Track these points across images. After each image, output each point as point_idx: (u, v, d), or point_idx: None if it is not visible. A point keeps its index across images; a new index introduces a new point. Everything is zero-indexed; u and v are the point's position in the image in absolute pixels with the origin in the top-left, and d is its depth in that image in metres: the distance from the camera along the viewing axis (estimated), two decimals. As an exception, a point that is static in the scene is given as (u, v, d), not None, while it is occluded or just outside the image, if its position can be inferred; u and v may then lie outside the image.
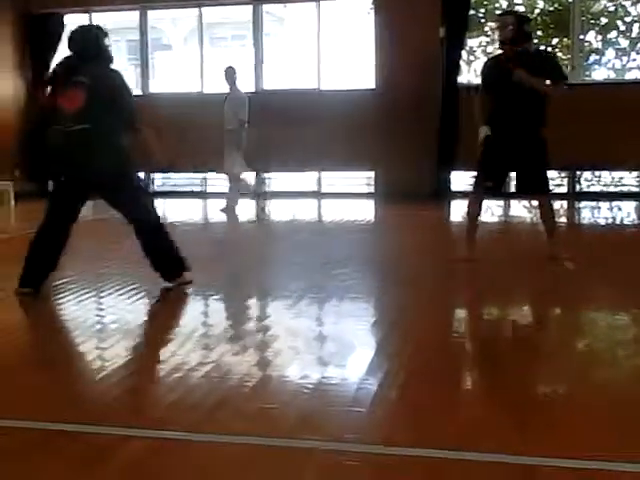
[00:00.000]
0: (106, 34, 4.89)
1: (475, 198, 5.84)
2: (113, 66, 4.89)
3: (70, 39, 4.85)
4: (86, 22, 11.96)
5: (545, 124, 5.53)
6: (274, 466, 2.44)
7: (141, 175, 5.35)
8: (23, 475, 2.41)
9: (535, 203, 6.29)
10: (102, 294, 5.11)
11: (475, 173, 5.87)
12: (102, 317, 4.52)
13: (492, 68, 5.71)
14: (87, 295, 5.05)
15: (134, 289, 5.13)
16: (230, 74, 9.42)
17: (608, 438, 2.58)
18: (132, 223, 4.85)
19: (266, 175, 11.88)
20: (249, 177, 10.12)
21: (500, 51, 5.71)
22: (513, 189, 6.20)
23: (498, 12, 5.52)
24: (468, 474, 2.38)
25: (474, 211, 5.84)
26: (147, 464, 2.46)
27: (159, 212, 5.16)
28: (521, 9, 11.47)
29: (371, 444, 2.56)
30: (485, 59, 5.78)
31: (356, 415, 2.83)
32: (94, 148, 4.62)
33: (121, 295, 4.99)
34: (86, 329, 4.25)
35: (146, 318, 4.65)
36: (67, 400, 3.08)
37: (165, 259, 4.93)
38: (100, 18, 12.23)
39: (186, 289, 4.98)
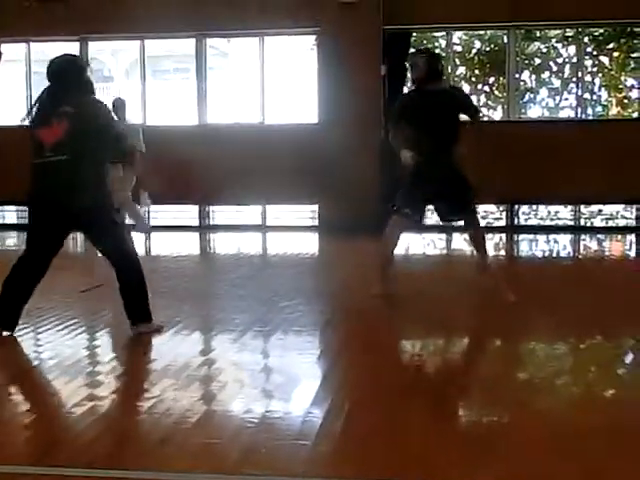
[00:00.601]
0: (88, 65, 4.93)
1: (395, 229, 5.77)
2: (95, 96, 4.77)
3: (53, 69, 4.67)
4: (22, 51, 11.88)
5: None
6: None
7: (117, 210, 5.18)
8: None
9: (466, 235, 6.37)
10: (43, 329, 4.99)
11: (397, 202, 5.76)
12: (40, 353, 4.42)
13: (408, 102, 5.87)
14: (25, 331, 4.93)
15: (74, 324, 5.04)
16: (120, 105, 9.45)
17: (546, 466, 2.63)
18: (110, 261, 4.70)
19: (211, 208, 11.84)
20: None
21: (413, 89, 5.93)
22: (442, 221, 6.23)
23: (412, 51, 5.70)
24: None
25: (393, 242, 5.79)
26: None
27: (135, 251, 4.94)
28: (458, 49, 11.83)
29: (317, 477, 2.56)
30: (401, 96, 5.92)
31: (302, 448, 2.83)
32: (71, 179, 4.44)
33: (60, 331, 4.89)
34: (23, 364, 4.15)
35: (86, 353, 4.55)
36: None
37: (139, 300, 4.69)
38: (39, 48, 12.11)
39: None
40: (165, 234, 10.95)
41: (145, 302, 4.70)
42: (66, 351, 4.44)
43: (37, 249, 4.61)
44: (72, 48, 11.95)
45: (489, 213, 11.42)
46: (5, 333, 4.59)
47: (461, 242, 9.21)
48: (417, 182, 5.56)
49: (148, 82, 11.93)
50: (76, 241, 10.15)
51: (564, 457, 2.72)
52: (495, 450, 2.80)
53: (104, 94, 13.72)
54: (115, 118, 4.86)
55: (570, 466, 2.64)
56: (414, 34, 11.10)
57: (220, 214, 12.16)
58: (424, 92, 5.70)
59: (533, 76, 11.68)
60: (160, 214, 11.87)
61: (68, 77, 4.62)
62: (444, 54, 11.58)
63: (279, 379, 3.84)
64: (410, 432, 3.09)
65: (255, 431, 3.02)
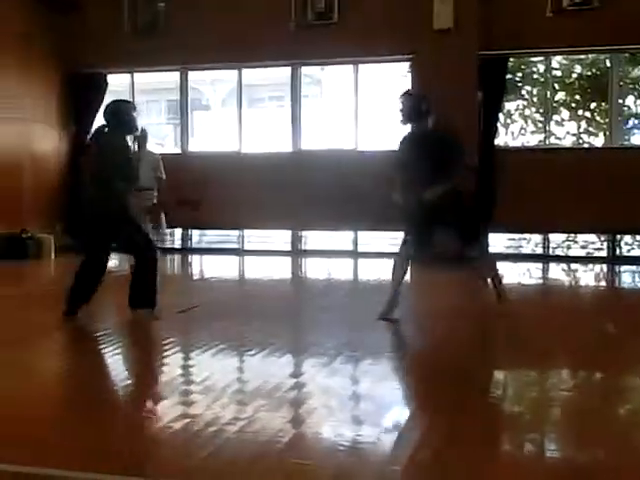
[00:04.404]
0: (134, 107, 5.90)
1: (399, 257, 6.00)
2: (132, 135, 5.93)
3: (104, 110, 5.86)
4: (127, 82, 12.36)
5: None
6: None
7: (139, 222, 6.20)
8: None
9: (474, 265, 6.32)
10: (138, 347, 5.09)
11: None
12: (134, 371, 4.50)
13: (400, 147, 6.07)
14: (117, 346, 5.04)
15: (170, 342, 5.14)
16: (144, 136, 9.21)
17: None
18: (133, 255, 5.90)
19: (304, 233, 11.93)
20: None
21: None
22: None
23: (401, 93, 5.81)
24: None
25: (400, 274, 5.95)
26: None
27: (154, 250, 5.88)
28: (558, 74, 11.55)
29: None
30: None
31: (392, 473, 2.76)
32: (99, 207, 5.71)
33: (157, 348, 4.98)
34: (120, 382, 4.24)
35: (180, 372, 4.62)
36: (98, 451, 3.05)
37: (145, 290, 5.69)
38: (142, 78, 12.59)
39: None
40: (258, 257, 11.11)
41: (151, 293, 5.71)
42: (162, 370, 4.53)
43: (94, 254, 5.84)
44: (173, 77, 12.40)
45: (589, 243, 11.04)
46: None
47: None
48: (410, 218, 5.88)
49: (244, 110, 12.18)
50: (173, 263, 10.43)
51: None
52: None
53: (202, 122, 14.14)
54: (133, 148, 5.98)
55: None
56: (511, 59, 10.91)
57: (313, 239, 12.22)
58: (412, 134, 5.90)
59: (638, 101, 11.26)
60: (253, 238, 12.07)
61: (110, 118, 5.77)
62: (542, 79, 11.35)
63: (370, 405, 3.78)
64: (498, 463, 2.97)
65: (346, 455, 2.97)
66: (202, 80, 14.66)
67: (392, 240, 11.64)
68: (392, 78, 11.90)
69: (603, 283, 9.21)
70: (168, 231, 10.36)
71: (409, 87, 5.91)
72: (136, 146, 5.99)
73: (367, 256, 11.21)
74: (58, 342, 5.48)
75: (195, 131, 12.80)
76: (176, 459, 2.97)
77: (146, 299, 5.73)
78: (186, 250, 12.02)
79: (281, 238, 12.13)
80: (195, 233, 12.69)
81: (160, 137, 13.99)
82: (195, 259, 11.59)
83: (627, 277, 9.69)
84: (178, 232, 12.38)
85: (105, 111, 5.85)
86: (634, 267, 10.05)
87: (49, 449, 3.05)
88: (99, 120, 6.44)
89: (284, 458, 2.94)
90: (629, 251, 10.96)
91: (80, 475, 2.74)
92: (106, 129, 5.78)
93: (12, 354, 4.79)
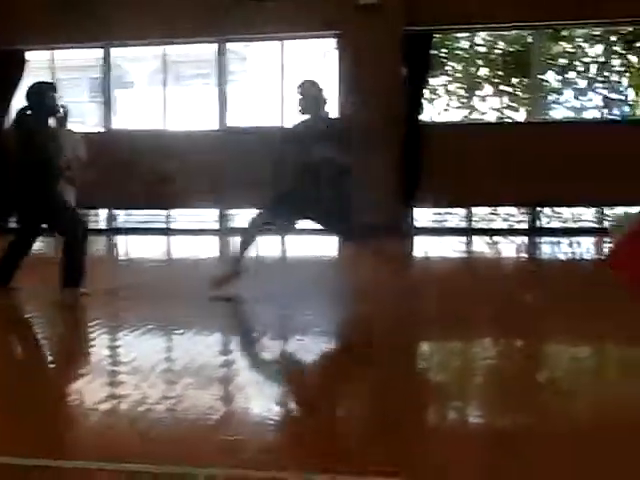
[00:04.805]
0: (55, 88, 5.93)
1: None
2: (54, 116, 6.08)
3: (26, 93, 5.85)
4: (48, 60, 11.99)
5: None
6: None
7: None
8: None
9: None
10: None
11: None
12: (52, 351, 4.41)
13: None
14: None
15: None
16: (64, 115, 9.17)
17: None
18: (62, 235, 5.85)
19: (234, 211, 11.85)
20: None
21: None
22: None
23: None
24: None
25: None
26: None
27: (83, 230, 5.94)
28: (482, 50, 11.74)
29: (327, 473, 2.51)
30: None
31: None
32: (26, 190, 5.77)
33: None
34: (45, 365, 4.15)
35: (107, 353, 4.55)
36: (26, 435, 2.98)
37: (74, 269, 5.69)
38: (63, 55, 12.22)
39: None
40: (186, 237, 11.01)
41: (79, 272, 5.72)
42: (89, 351, 4.45)
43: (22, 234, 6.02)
44: (95, 55, 12.08)
45: (510, 216, 11.32)
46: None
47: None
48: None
49: (169, 87, 11.97)
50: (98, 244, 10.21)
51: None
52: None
53: (125, 100, 13.84)
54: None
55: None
56: (436, 35, 11.00)
57: (241, 217, 12.14)
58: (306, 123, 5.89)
59: (558, 77, 11.54)
60: (180, 217, 11.93)
61: (30, 100, 5.77)
62: (466, 55, 11.52)
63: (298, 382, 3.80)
64: (423, 430, 3.04)
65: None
66: (125, 57, 14.33)
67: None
68: (317, 54, 11.89)
69: (524, 254, 9.47)
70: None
71: (308, 77, 5.82)
72: (55, 124, 6.03)
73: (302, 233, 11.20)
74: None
75: (119, 109, 12.53)
76: (104, 440, 2.93)
77: (75, 278, 5.74)
78: (111, 231, 11.79)
79: (209, 217, 12.02)
80: (121, 213, 12.46)
81: (82, 116, 13.64)
82: (121, 240, 11.38)
83: (547, 248, 9.97)
84: (103, 213, 12.15)
85: (27, 94, 5.85)
86: (553, 239, 10.35)
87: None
88: (19, 100, 6.34)
89: (213, 434, 2.93)
90: (548, 223, 11.28)
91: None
92: (28, 111, 5.79)
93: None
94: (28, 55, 12.01)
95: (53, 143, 5.92)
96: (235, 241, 5.86)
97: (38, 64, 12.09)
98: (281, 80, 11.36)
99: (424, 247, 9.99)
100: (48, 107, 5.85)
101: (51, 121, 6.08)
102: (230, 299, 5.69)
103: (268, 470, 2.53)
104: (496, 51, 11.80)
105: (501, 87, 11.72)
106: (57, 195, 5.97)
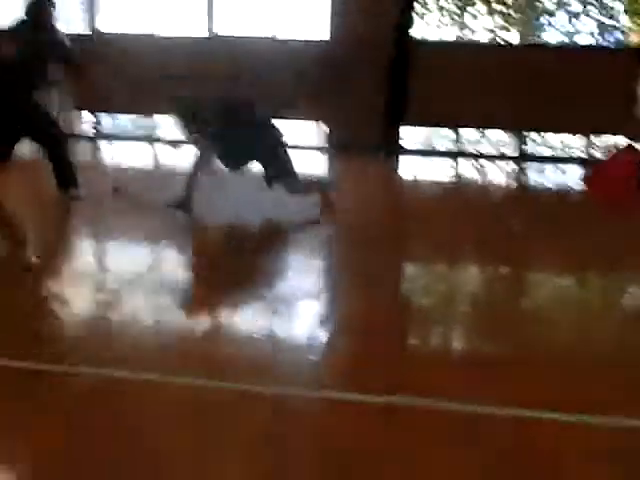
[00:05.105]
0: (53, 5, 6.07)
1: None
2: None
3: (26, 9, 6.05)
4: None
5: None
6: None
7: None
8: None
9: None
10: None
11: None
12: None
13: None
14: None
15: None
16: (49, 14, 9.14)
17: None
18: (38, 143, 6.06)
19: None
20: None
21: None
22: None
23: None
24: (412, 418, 2.49)
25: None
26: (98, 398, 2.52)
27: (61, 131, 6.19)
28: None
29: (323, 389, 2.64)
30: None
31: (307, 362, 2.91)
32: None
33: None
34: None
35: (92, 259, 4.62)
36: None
37: (63, 170, 5.99)
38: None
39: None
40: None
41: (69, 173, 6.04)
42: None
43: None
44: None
45: (499, 141, 11.32)
46: None
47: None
48: None
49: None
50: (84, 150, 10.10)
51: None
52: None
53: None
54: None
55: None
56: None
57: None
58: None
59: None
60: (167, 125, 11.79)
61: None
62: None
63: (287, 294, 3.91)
64: (407, 354, 3.17)
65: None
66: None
67: (301, 131, 11.70)
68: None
69: (512, 181, 9.53)
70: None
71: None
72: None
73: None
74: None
75: (102, 10, 12.15)
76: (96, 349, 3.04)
77: (65, 180, 6.02)
78: (97, 137, 11.66)
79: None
80: (107, 118, 12.29)
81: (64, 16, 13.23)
82: (105, 146, 11.27)
83: (535, 175, 10.04)
84: (88, 116, 11.98)
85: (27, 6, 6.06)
86: (542, 165, 10.40)
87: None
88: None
89: (201, 346, 3.05)
90: (537, 149, 11.29)
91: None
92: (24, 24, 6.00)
93: None
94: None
95: (40, 50, 5.94)
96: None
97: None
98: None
99: (410, 168, 10.01)
100: (44, 21, 6.00)
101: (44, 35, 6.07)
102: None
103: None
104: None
105: (494, 5, 11.50)
106: (34, 102, 6.02)
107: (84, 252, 4.88)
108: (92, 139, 11.50)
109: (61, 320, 3.40)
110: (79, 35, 10.99)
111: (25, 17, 6.05)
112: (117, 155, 10.67)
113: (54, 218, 5.75)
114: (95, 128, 11.89)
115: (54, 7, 6.17)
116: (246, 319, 3.46)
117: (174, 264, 4.59)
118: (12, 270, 4.29)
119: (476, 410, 2.53)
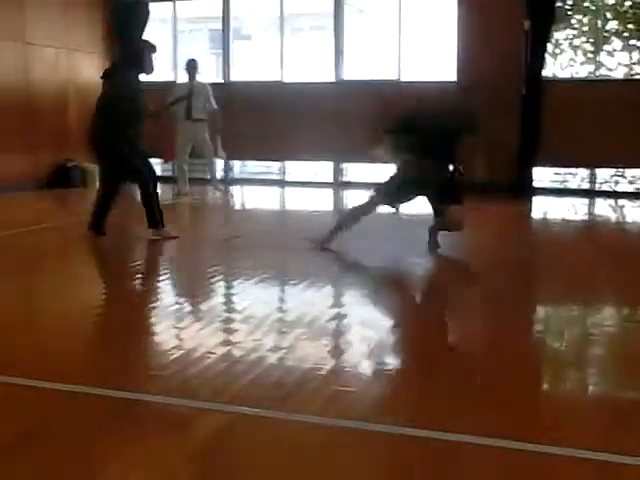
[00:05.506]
0: (154, 49, 6.60)
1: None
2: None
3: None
4: (170, 11, 12.27)
5: None
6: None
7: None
8: (104, 440, 2.48)
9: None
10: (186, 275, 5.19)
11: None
12: (180, 298, 4.61)
13: None
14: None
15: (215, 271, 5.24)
16: (193, 66, 9.72)
17: None
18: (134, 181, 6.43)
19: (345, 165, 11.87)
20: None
21: None
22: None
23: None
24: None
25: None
26: (227, 436, 2.52)
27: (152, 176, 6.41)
28: (610, 2, 11.11)
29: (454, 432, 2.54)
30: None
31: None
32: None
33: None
34: (164, 308, 4.35)
35: (222, 300, 4.71)
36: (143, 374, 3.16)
37: (153, 211, 6.25)
38: (183, 7, 12.46)
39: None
40: (299, 189, 11.14)
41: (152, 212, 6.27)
42: (204, 297, 4.63)
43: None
44: (215, 6, 12.25)
45: (637, 178, 10.79)
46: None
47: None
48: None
49: (285, 39, 12.01)
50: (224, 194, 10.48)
51: None
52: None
53: (242, 51, 14.00)
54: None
55: None
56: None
57: (353, 171, 12.15)
58: None
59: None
60: (294, 169, 12.06)
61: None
62: (593, 7, 10.95)
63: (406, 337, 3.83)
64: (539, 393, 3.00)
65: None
66: (243, 9, 14.47)
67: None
68: (436, 7, 11.59)
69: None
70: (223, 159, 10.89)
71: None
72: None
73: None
74: (104, 271, 5.65)
75: (236, 61, 12.68)
76: (218, 385, 3.05)
77: (154, 220, 6.29)
78: (228, 181, 12.06)
79: (322, 170, 12.09)
80: (236, 164, 12.71)
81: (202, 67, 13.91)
82: (236, 190, 11.63)
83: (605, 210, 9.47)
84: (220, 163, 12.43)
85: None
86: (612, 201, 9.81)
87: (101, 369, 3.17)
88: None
89: (325, 385, 3.01)
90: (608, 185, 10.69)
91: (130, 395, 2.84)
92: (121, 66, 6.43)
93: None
94: (152, 7, 12.27)
95: (138, 96, 6.30)
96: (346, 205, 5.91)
97: (162, 16, 12.38)
98: (399, 33, 11.18)
99: (543, 207, 9.70)
100: (144, 65, 6.36)
101: (141, 77, 6.44)
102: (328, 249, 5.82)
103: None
104: (626, 3, 11.14)
105: (631, 42, 11.07)
106: (132, 144, 6.25)
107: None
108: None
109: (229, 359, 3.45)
110: (214, 84, 11.50)
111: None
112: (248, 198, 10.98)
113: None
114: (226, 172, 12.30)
115: (155, 51, 6.64)
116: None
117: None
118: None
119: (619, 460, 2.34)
